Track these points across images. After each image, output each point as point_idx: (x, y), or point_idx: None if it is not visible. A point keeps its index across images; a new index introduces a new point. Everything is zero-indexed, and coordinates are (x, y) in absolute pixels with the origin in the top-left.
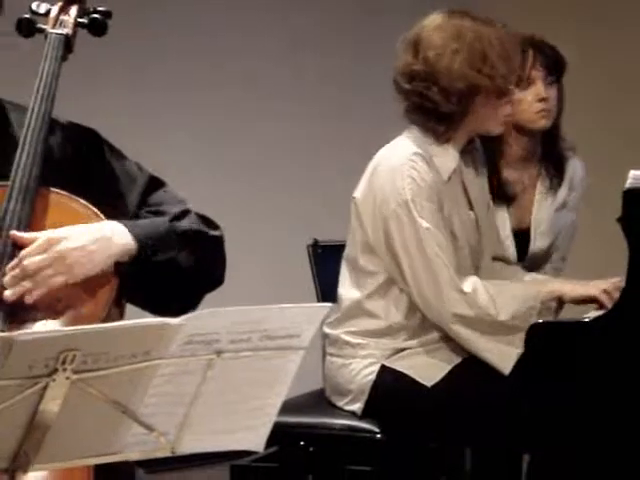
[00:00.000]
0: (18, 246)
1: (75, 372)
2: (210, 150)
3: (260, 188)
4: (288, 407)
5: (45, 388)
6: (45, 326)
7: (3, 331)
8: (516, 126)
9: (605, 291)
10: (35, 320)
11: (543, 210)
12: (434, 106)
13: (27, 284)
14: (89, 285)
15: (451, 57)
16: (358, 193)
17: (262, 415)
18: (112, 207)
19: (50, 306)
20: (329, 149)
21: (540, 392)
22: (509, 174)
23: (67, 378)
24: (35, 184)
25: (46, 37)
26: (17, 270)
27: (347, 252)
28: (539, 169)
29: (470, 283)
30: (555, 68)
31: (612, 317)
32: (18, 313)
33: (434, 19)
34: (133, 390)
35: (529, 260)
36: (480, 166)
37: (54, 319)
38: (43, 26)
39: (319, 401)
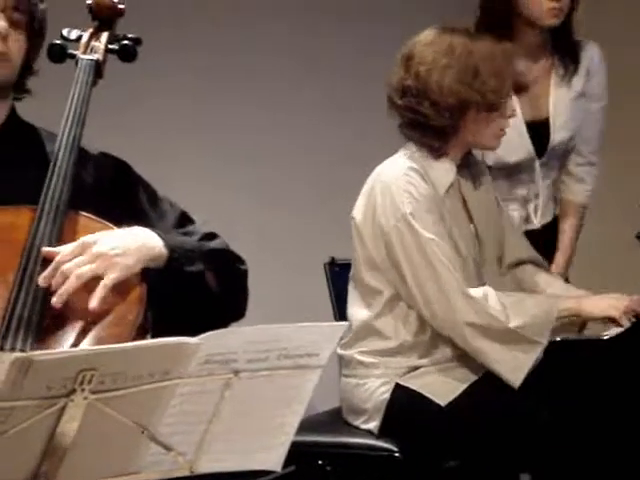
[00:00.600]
0: (49, 261)
1: (93, 392)
2: (226, 168)
3: (277, 206)
4: (306, 426)
5: (63, 408)
6: (73, 345)
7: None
8: (525, 19)
9: (625, 312)
10: (66, 339)
11: (560, 100)
12: (426, 121)
13: (69, 285)
14: (119, 294)
15: (442, 72)
16: (356, 213)
17: (280, 434)
18: None
19: (81, 319)
20: (346, 167)
21: (558, 410)
22: (521, 65)
23: (85, 398)
24: (64, 207)
25: (77, 63)
26: (58, 275)
27: (352, 272)
28: (552, 60)
29: (480, 290)
30: None
31: (630, 335)
32: (48, 334)
33: (427, 35)
34: (151, 410)
35: (549, 155)
36: (481, 177)
37: (82, 333)
38: (74, 52)
39: (336, 420)
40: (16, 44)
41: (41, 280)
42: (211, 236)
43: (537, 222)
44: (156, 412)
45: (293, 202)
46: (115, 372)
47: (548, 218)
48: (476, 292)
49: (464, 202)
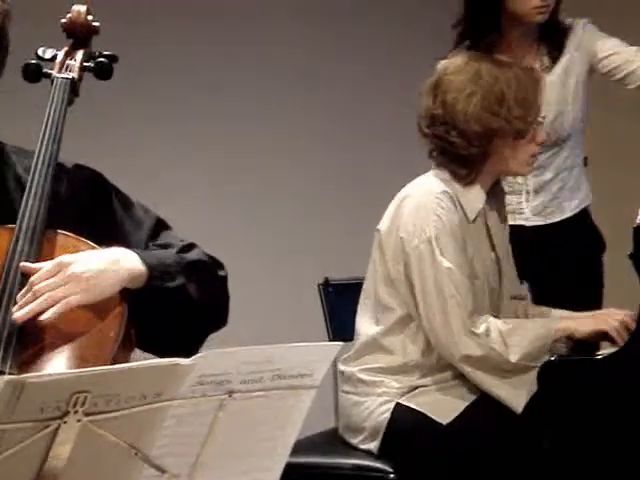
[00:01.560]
0: (27, 278)
1: (86, 414)
2: (221, 186)
3: (271, 226)
4: (300, 447)
5: (56, 431)
6: (56, 365)
7: (12, 373)
8: (511, 15)
9: (617, 327)
10: (46, 361)
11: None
12: (454, 149)
13: (37, 305)
14: (98, 313)
15: (467, 100)
16: (382, 226)
17: (274, 455)
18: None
19: (60, 339)
20: (340, 187)
21: (556, 430)
22: (506, 57)
23: (78, 420)
24: (42, 226)
25: (52, 82)
26: (29, 294)
27: (366, 285)
28: (537, 48)
29: (484, 324)
30: None
31: (624, 355)
32: (26, 352)
33: (454, 61)
34: (145, 431)
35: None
36: (502, 208)
37: (64, 354)
38: (49, 71)
39: (331, 441)
40: None
41: (19, 297)
42: (189, 247)
43: (532, 219)
44: (149, 434)
45: (287, 222)
46: (108, 394)
47: (554, 217)
48: (479, 326)
49: (488, 231)
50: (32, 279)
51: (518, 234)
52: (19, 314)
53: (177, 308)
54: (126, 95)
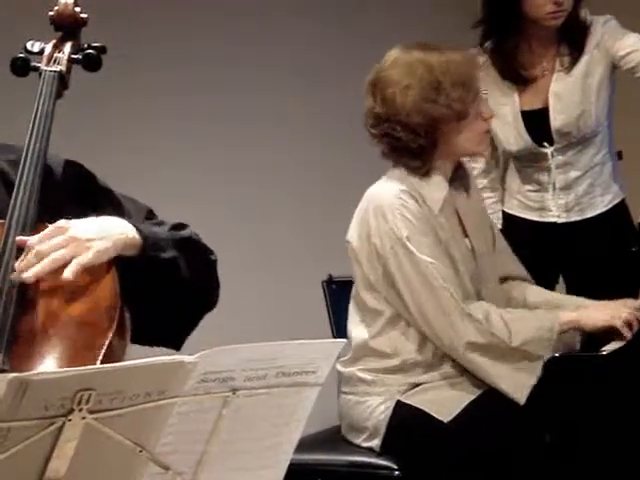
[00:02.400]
0: (20, 251)
1: (91, 412)
2: (223, 184)
3: (274, 223)
4: (305, 444)
5: (61, 428)
6: (50, 358)
7: (4, 369)
8: (529, 18)
9: (627, 321)
10: (40, 356)
11: (561, 85)
12: (403, 144)
13: (45, 265)
14: (91, 297)
15: (404, 93)
16: (351, 236)
17: (279, 452)
18: None
19: (53, 337)
20: (345, 185)
21: (559, 426)
22: (527, 57)
23: (83, 418)
24: (32, 220)
25: (40, 75)
26: (29, 256)
27: (353, 292)
28: (557, 47)
29: (481, 310)
30: None
31: (628, 351)
32: (20, 344)
33: (389, 57)
34: (149, 429)
35: (561, 142)
36: (471, 189)
37: (57, 346)
38: (37, 64)
39: (336, 438)
40: None
41: (17, 264)
42: (181, 226)
43: (564, 215)
44: (154, 431)
45: (291, 219)
46: (113, 391)
47: (585, 214)
48: (477, 312)
49: (458, 217)
50: (30, 241)
51: (550, 231)
52: (26, 275)
53: (168, 282)
54: (124, 92)
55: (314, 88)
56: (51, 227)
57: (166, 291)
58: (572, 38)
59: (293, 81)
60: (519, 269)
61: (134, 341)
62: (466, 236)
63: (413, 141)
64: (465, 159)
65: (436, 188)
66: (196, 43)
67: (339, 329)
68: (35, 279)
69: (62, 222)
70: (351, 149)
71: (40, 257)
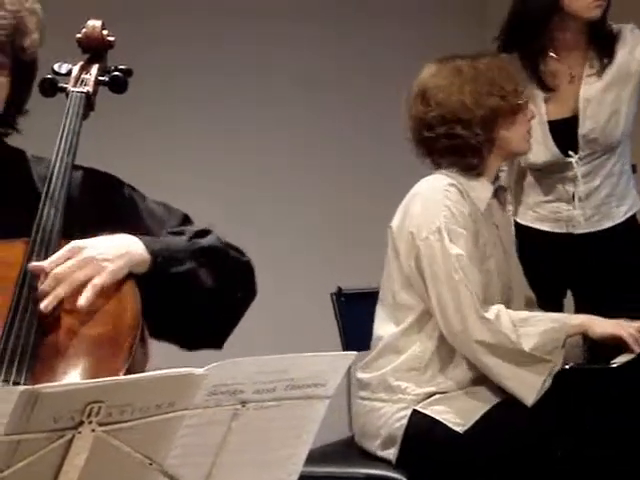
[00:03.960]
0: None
1: (101, 424)
2: (233, 195)
3: (283, 235)
4: (314, 456)
5: (71, 441)
6: (72, 373)
7: (27, 384)
8: (566, 15)
9: (633, 334)
10: (61, 371)
11: (590, 92)
12: (463, 142)
13: (61, 290)
14: (112, 311)
15: (460, 92)
16: (394, 223)
17: (288, 465)
18: None
19: (74, 352)
20: (352, 196)
21: (573, 437)
22: (554, 65)
23: (93, 430)
24: (57, 238)
25: (67, 96)
26: (48, 280)
27: (382, 289)
28: (586, 53)
29: (493, 311)
30: None
31: (638, 363)
32: (43, 366)
33: (429, 69)
34: (159, 442)
35: (585, 150)
36: (506, 204)
37: (79, 363)
38: (65, 85)
39: (346, 450)
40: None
41: (38, 294)
42: (203, 233)
43: (583, 225)
44: (164, 444)
45: (300, 232)
46: (122, 404)
47: (603, 224)
48: (490, 313)
49: (495, 224)
50: (45, 265)
51: (565, 242)
52: (43, 305)
53: (188, 293)
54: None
55: (327, 101)
56: (66, 248)
57: (191, 301)
58: (601, 43)
59: (306, 93)
60: (528, 292)
61: (179, 345)
62: (501, 244)
63: (474, 137)
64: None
65: (483, 189)
66: (203, 49)
67: (348, 342)
68: (52, 307)
69: (76, 243)
70: (363, 164)
71: (57, 281)
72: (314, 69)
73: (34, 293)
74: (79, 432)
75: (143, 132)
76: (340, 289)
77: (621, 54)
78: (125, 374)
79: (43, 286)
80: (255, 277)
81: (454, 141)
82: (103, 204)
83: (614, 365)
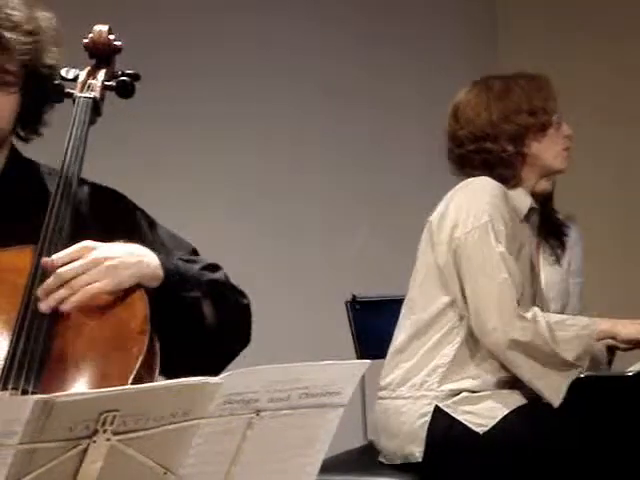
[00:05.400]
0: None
1: (115, 433)
2: (245, 204)
3: (298, 243)
4: (329, 465)
5: (86, 450)
6: (80, 382)
7: (35, 392)
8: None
9: None
10: (70, 378)
11: (549, 277)
12: (494, 157)
13: (63, 292)
14: (124, 325)
15: (487, 109)
16: (434, 216)
17: (303, 474)
18: None
19: (84, 353)
20: (366, 206)
21: (588, 447)
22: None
23: (108, 439)
24: (64, 246)
25: (74, 101)
26: (52, 278)
27: (411, 283)
28: (538, 242)
29: (531, 312)
30: None
31: None
32: (50, 368)
33: (463, 89)
34: (173, 450)
35: None
36: (534, 227)
37: (87, 370)
38: (72, 91)
39: (359, 458)
40: (6, 104)
41: (40, 291)
42: (214, 267)
43: None
44: (178, 453)
45: (315, 240)
46: (137, 413)
47: None
48: (528, 314)
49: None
50: (53, 262)
51: None
52: (42, 305)
53: (189, 321)
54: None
55: (334, 107)
56: (77, 246)
57: (190, 330)
58: (551, 230)
59: (311, 101)
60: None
61: (170, 373)
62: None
63: (503, 151)
64: None
65: (522, 197)
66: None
67: (363, 350)
68: (52, 310)
69: (88, 242)
70: (378, 171)
71: (61, 281)
72: (335, 77)
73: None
74: (94, 441)
75: (143, 134)
76: (355, 297)
77: (570, 250)
78: (133, 382)
79: (46, 284)
80: (252, 322)
81: (485, 156)
82: (112, 223)
83: (630, 373)
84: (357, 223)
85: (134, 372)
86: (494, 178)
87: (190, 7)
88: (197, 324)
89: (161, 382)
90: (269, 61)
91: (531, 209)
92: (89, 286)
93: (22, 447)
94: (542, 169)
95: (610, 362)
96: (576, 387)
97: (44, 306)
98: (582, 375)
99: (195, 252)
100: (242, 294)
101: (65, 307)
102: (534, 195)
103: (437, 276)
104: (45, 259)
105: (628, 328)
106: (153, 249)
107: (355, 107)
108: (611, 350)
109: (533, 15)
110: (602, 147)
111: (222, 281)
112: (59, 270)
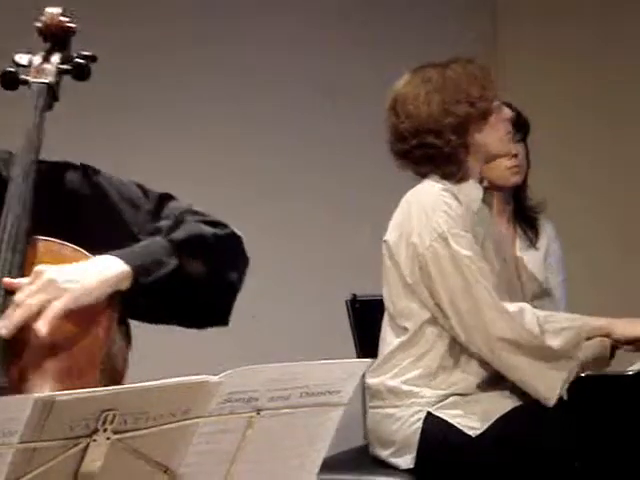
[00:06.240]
0: (10, 293)
1: (115, 432)
2: (245, 202)
3: (298, 243)
4: (328, 465)
5: (86, 449)
6: (47, 375)
7: (4, 386)
8: (489, 184)
9: None
10: (36, 369)
11: (529, 261)
12: (437, 151)
13: (17, 315)
14: (84, 318)
15: (427, 102)
16: (390, 236)
17: (303, 473)
18: (113, 236)
19: (48, 347)
20: (367, 204)
21: (588, 449)
22: None
23: (108, 438)
24: (24, 234)
25: (29, 88)
26: (10, 307)
27: (385, 298)
28: (514, 227)
29: (515, 306)
30: (521, 127)
31: None
32: (16, 362)
33: (402, 78)
34: (173, 449)
35: None
36: (497, 206)
37: (53, 363)
38: (26, 77)
39: (360, 457)
40: None
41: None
42: (179, 222)
43: None
44: (178, 452)
45: (314, 238)
46: (137, 411)
47: None
48: (511, 307)
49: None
50: (9, 281)
51: None
52: (2, 331)
53: (182, 289)
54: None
55: (334, 107)
56: (32, 274)
57: (187, 292)
58: (523, 216)
59: (312, 97)
60: (539, 286)
61: (186, 327)
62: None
63: (446, 144)
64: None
65: (472, 190)
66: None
67: (363, 349)
68: (9, 332)
69: (40, 267)
70: (377, 169)
71: (16, 306)
72: (332, 75)
73: (2, 296)
74: (94, 440)
75: (143, 132)
76: (355, 296)
77: (550, 250)
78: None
79: (7, 312)
80: (243, 243)
81: (428, 150)
82: (71, 197)
83: (630, 372)
84: (358, 222)
85: (101, 359)
86: (440, 175)
87: (190, 7)
88: (190, 288)
89: (161, 381)
90: (269, 61)
91: (485, 195)
92: (52, 304)
93: (22, 446)
94: (487, 156)
95: (610, 357)
96: (575, 387)
97: (3, 333)
98: (582, 375)
99: (163, 199)
100: (219, 225)
101: (37, 329)
102: (504, 188)
103: (409, 293)
104: (6, 280)
105: (623, 326)
106: (122, 208)
107: (357, 106)
108: (611, 349)
109: (533, 13)
110: (602, 147)
111: (193, 235)
112: (15, 297)
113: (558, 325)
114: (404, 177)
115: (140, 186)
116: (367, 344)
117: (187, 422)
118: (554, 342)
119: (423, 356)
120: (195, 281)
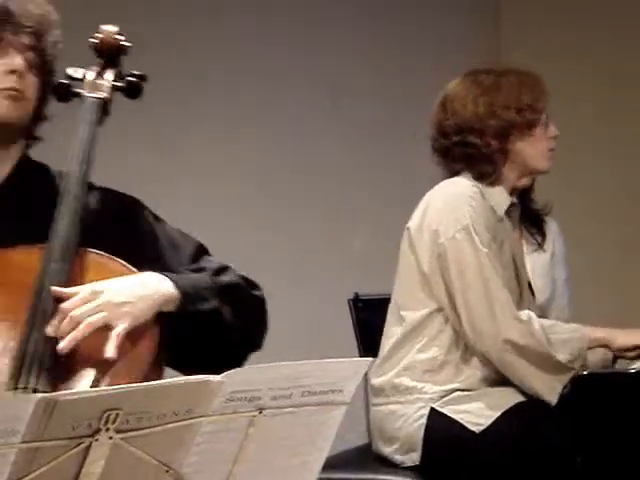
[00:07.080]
0: (59, 302)
1: (118, 431)
2: (247, 202)
3: (301, 242)
4: (331, 463)
5: (88, 448)
6: (88, 383)
7: (45, 391)
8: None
9: None
10: (79, 379)
11: (536, 264)
12: (476, 150)
13: (79, 333)
14: (132, 337)
15: (475, 101)
16: (412, 223)
17: (305, 472)
18: (151, 269)
19: (93, 363)
20: (369, 204)
21: (589, 445)
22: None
23: (110, 438)
24: (73, 245)
25: (83, 101)
26: (66, 321)
27: (395, 289)
28: (520, 230)
29: (525, 313)
30: None
31: None
32: (60, 373)
33: (454, 80)
34: (176, 449)
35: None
36: (515, 221)
37: (98, 377)
38: (79, 90)
39: (363, 456)
40: (31, 85)
41: (49, 329)
42: (223, 270)
43: None
44: (181, 451)
45: (317, 237)
46: (139, 411)
47: None
48: (523, 314)
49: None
50: (64, 306)
51: None
52: (62, 345)
53: (211, 330)
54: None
55: (336, 107)
56: (85, 291)
57: (210, 338)
58: (529, 217)
59: (313, 99)
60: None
61: (181, 371)
62: (513, 260)
63: (486, 146)
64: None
65: (501, 196)
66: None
67: (365, 347)
68: (69, 348)
69: (97, 285)
70: (382, 167)
71: (75, 324)
72: (320, 70)
73: (49, 307)
74: (96, 439)
75: (146, 136)
76: (357, 295)
77: (555, 249)
78: (141, 381)
79: (62, 326)
80: (267, 311)
81: (467, 149)
82: (125, 224)
83: (632, 370)
84: (360, 221)
85: (142, 377)
86: (474, 173)
87: (190, 7)
88: (219, 332)
89: (163, 380)
90: (269, 61)
91: (511, 205)
92: (117, 328)
93: (24, 446)
94: (524, 168)
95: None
96: (578, 384)
97: (63, 347)
98: (585, 372)
99: (202, 248)
100: (254, 286)
101: (110, 355)
102: (514, 189)
103: (421, 282)
104: (56, 289)
105: (622, 337)
106: (166, 250)
107: (358, 106)
108: (613, 358)
109: (536, 12)
110: (602, 146)
111: (235, 283)
112: (72, 314)
113: (561, 337)
114: (404, 177)
115: (182, 233)
116: (369, 343)
117: (190, 421)
118: (561, 355)
119: (427, 347)
120: (226, 328)
